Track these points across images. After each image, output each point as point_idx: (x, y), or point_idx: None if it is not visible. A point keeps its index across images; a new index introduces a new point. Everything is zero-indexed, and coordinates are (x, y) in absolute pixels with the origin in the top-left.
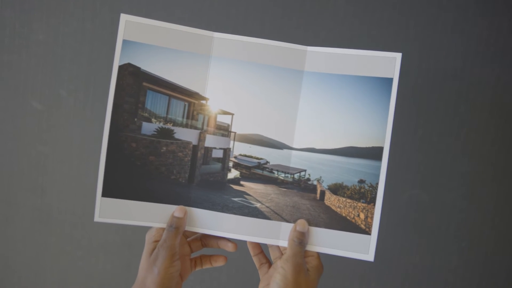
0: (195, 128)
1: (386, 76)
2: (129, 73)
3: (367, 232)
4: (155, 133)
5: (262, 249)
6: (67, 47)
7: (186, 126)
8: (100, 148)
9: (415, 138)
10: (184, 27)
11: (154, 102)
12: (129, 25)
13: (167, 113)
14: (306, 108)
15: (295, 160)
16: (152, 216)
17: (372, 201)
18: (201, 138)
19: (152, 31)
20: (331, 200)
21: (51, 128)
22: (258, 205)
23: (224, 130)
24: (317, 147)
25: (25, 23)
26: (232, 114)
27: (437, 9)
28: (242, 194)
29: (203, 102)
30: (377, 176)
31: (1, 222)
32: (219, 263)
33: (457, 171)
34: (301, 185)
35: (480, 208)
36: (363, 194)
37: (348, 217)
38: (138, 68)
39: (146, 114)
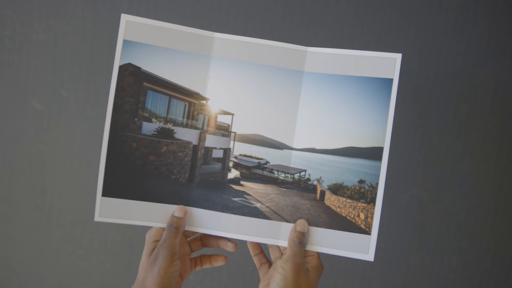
0: (195, 128)
1: (386, 77)
2: (130, 73)
3: (367, 232)
4: (156, 133)
5: (262, 249)
6: (67, 47)
7: (187, 126)
8: (100, 148)
9: (415, 138)
10: (184, 27)
11: (155, 102)
12: (129, 25)
13: (167, 113)
14: (306, 108)
15: (295, 160)
16: (152, 216)
17: (372, 201)
18: (201, 138)
19: (152, 31)
20: (331, 200)
21: (51, 128)
22: (258, 205)
23: (224, 130)
24: (317, 147)
25: (25, 23)
26: (232, 114)
27: (437, 9)
28: (242, 194)
29: (204, 102)
30: (377, 176)
31: (1, 222)
32: (219, 263)
33: (457, 171)
34: (301, 185)
35: (480, 208)
36: (363, 194)
37: (348, 217)
38: (139, 68)
39: (147, 114)
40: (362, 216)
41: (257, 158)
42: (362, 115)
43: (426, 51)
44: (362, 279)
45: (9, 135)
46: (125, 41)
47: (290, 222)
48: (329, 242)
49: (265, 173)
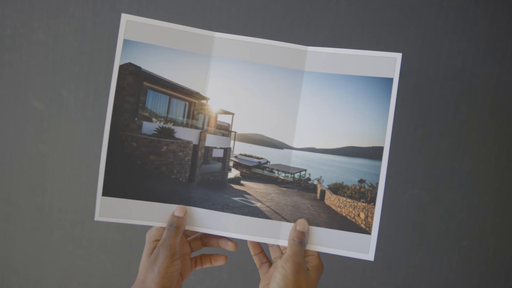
0: (196, 127)
1: (386, 76)
2: (130, 72)
3: (367, 231)
4: (156, 132)
5: (262, 248)
6: (67, 47)
7: (187, 125)
8: (100, 148)
9: (415, 138)
10: (184, 27)
11: (155, 102)
12: (130, 25)
13: (167, 113)
14: (306, 108)
15: (295, 159)
16: (153, 215)
17: (372, 200)
18: (201, 138)
19: (152, 31)
20: (331, 199)
21: (51, 128)
22: (258, 204)
23: (224, 130)
24: (317, 146)
25: (25, 23)
26: (233, 114)
27: (437, 9)
28: (242, 193)
29: (204, 101)
30: (377, 175)
31: (1, 222)
32: (219, 262)
33: (457, 171)
34: (301, 185)
35: (480, 208)
36: (363, 193)
37: (348, 217)
38: (139, 68)
39: (147, 114)
40: (362, 215)
41: (257, 158)
42: (362, 115)
43: (426, 51)
44: (362, 279)
45: (9, 135)
46: (125, 41)
47: (290, 221)
48: (329, 241)
49: (265, 172)
